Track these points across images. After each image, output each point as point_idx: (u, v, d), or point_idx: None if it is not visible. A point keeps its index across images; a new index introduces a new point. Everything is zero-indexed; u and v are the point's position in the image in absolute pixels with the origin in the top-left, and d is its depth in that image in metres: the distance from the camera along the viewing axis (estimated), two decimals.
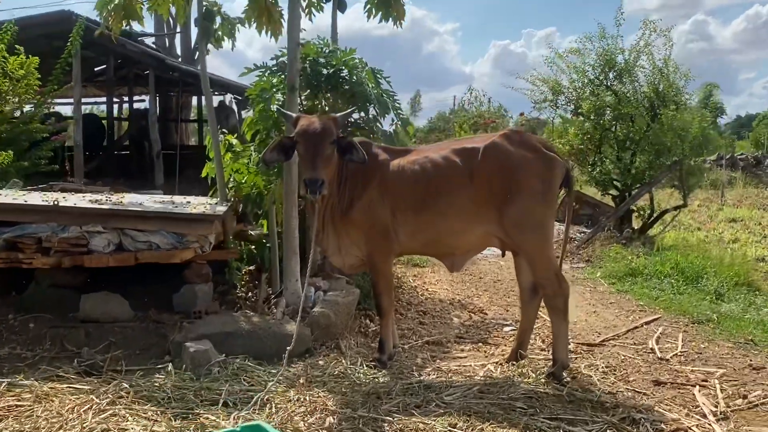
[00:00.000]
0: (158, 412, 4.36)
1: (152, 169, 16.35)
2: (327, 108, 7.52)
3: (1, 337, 5.76)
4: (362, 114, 7.47)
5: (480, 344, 6.16)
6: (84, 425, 4.10)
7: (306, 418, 4.24)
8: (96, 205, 6.12)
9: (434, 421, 4.27)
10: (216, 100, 21.91)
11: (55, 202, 6.04)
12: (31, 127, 10.49)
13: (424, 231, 5.21)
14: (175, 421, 4.24)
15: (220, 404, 4.50)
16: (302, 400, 4.53)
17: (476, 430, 4.19)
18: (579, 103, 13.36)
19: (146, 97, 19.99)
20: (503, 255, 5.55)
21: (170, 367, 5.14)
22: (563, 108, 14.07)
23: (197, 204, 6.77)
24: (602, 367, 5.47)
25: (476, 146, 5.19)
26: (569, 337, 6.19)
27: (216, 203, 6.87)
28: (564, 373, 5.15)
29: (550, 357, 5.35)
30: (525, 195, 5.00)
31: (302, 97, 7.57)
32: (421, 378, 5.12)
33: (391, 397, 4.68)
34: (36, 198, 6.45)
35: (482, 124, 23.13)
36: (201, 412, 4.36)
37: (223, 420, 4.22)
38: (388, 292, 5.42)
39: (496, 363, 5.51)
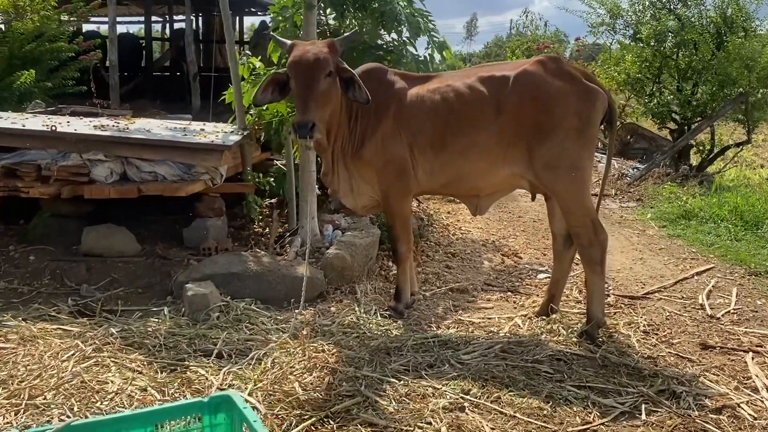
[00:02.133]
0: (145, 363, 4.00)
1: (189, 91, 15.91)
2: (357, 30, 6.90)
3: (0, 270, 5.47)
4: (393, 36, 6.84)
5: (509, 293, 5.64)
6: (62, 375, 3.77)
7: (303, 377, 3.81)
8: (97, 132, 5.69)
9: (445, 385, 3.81)
10: (258, 20, 21.25)
11: (53, 128, 5.62)
12: (56, 46, 10.08)
13: (444, 170, 4.64)
14: (160, 373, 3.87)
15: (214, 355, 4.12)
16: (303, 354, 4.11)
17: (492, 397, 3.71)
18: (638, 28, 12.36)
19: (191, 18, 19.35)
20: (533, 198, 4.96)
21: (166, 310, 4.78)
22: (621, 33, 13.06)
23: (210, 132, 6.29)
24: (643, 325, 4.91)
25: (506, 74, 4.54)
26: (609, 288, 5.69)
27: (232, 131, 6.39)
28: (599, 332, 4.62)
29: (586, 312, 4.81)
30: (560, 132, 4.38)
31: (328, 17, 6.98)
32: (438, 332, 4.64)
33: (401, 354, 4.22)
34: (36, 123, 6.04)
35: (536, 49, 21.96)
36: (191, 363, 3.99)
37: (211, 375, 3.84)
38: (406, 236, 4.90)
39: (525, 316, 4.99)
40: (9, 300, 5.05)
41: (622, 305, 5.39)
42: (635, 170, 11.94)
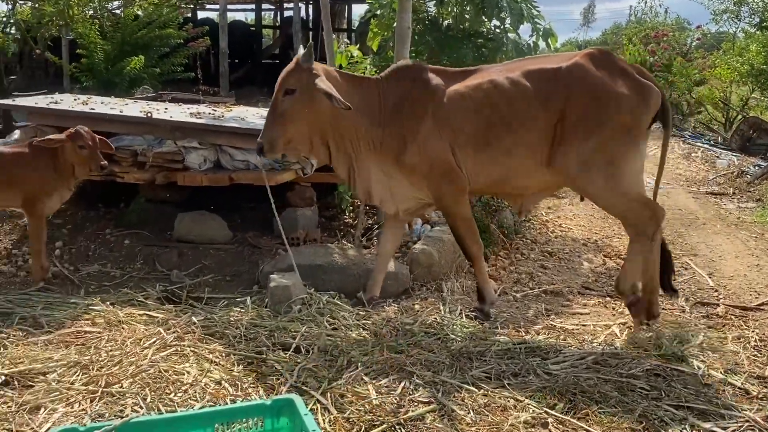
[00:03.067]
0: (223, 354, 3.96)
1: None
2: (456, 18, 6.69)
3: (95, 253, 5.62)
4: (495, 23, 6.58)
5: (608, 299, 5.29)
6: (140, 364, 3.76)
7: (377, 379, 3.66)
8: (192, 119, 5.72)
9: (529, 397, 3.56)
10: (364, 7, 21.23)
11: (149, 114, 5.70)
12: (165, 32, 10.35)
13: (487, 170, 4.43)
14: (237, 366, 3.82)
15: (292, 349, 4.02)
16: (381, 354, 3.96)
17: (579, 414, 3.44)
18: (765, 15, 11.51)
19: (301, 5, 19.53)
20: (582, 199, 4.71)
21: (249, 300, 4.75)
22: (746, 21, 12.24)
23: None
24: (755, 341, 4.48)
25: (555, 67, 4.29)
26: (719, 297, 5.32)
27: None
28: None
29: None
30: (607, 129, 4.15)
31: (428, 4, 6.79)
32: (527, 338, 4.39)
33: (484, 360, 3.99)
34: (134, 109, 6.15)
35: (653, 36, 20.95)
36: (268, 357, 3.91)
37: (286, 371, 3.74)
38: (472, 235, 4.66)
39: (623, 325, 4.66)
40: (101, 283, 5.17)
41: (732, 316, 4.96)
42: (757, 168, 11.14)
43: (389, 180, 4.56)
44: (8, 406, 3.40)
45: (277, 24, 23.05)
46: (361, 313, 4.63)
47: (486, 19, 6.41)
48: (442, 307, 4.76)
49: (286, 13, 21.24)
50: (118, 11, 10.96)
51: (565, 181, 4.42)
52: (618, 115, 4.15)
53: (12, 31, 9.53)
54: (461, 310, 4.75)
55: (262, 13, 21.30)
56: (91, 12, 9.40)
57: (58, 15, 8.55)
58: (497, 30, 6.51)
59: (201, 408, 3.29)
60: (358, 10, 25.59)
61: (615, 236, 7.27)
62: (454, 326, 4.45)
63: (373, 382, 3.63)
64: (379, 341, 4.11)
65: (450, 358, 3.96)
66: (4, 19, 9.64)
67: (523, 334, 4.49)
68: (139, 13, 10.41)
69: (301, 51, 4.38)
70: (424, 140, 4.36)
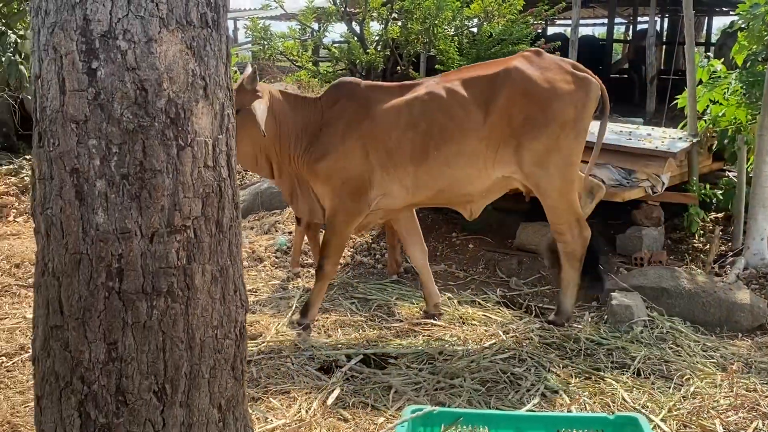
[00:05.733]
0: (560, 365, 3.99)
1: (645, 94, 15.47)
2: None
3: (442, 254, 6.01)
4: None
5: None
6: (480, 362, 3.96)
7: (726, 415, 3.42)
8: None
9: None
10: (729, 20, 19.70)
11: None
12: (518, 48, 10.64)
13: (428, 183, 4.38)
14: (573, 379, 3.84)
15: (631, 370, 3.93)
16: (730, 389, 3.69)
17: None
18: None
19: (656, 18, 18.77)
20: (527, 200, 4.97)
21: (588, 316, 4.73)
22: None
23: (657, 137, 6.01)
24: None
25: (491, 73, 4.30)
26: None
27: (680, 138, 6.02)
28: (566, 323, 4.55)
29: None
30: (555, 126, 4.18)
31: None
32: None
33: None
34: None
35: None
36: (605, 375, 3.87)
37: (624, 391, 3.66)
38: (338, 255, 4.61)
39: None
40: (446, 282, 5.51)
41: None
42: None
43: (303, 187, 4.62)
44: (364, 382, 3.81)
45: (628, 38, 22.41)
46: (708, 344, 4.35)
47: None
48: None
49: (640, 27, 20.54)
50: (474, 29, 11.52)
51: (520, 179, 4.38)
52: (563, 111, 4.20)
53: (379, 49, 10.49)
54: None
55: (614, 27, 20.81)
56: (452, 31, 10.05)
57: (424, 33, 9.28)
58: None
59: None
60: (718, 23, 23.86)
61: None
62: None
63: (720, 416, 3.40)
64: (729, 376, 3.83)
65: None
66: (376, 37, 10.69)
67: None
68: (491, 31, 10.84)
69: (248, 71, 4.36)
70: (345, 155, 4.34)
